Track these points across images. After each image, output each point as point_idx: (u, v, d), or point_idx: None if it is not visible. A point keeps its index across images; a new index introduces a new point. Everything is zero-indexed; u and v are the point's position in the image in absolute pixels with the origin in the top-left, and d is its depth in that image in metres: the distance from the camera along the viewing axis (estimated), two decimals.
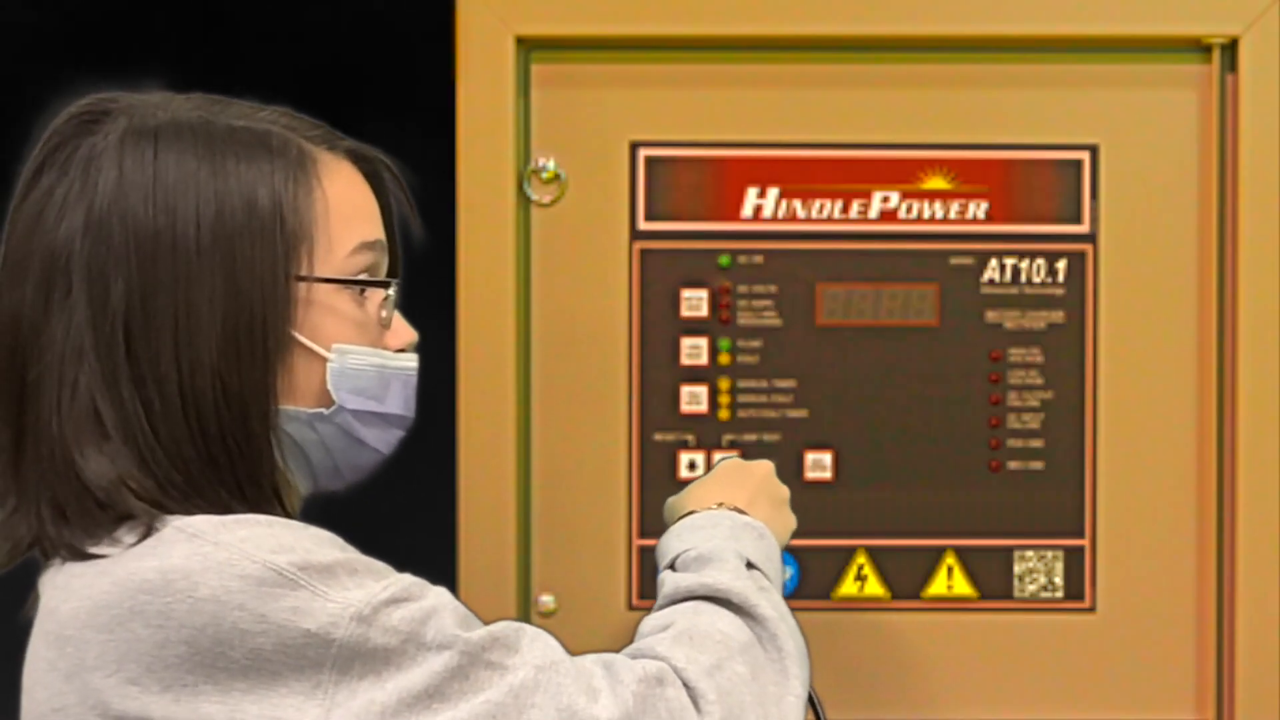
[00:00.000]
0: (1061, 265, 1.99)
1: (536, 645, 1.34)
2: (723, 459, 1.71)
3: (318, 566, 1.30)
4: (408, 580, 1.34)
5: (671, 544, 1.53)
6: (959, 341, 1.99)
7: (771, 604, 1.44)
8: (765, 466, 1.66)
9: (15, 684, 1.38)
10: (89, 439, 1.35)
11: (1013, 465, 1.99)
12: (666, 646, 1.38)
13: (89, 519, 1.34)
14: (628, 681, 1.34)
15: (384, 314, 1.45)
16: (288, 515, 1.40)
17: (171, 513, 1.34)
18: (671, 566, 1.51)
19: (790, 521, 1.64)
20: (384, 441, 1.47)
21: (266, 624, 1.27)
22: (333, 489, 1.49)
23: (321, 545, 1.32)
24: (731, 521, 1.53)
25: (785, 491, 1.65)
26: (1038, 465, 1.99)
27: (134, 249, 1.35)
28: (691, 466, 1.99)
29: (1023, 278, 1.99)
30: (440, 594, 1.35)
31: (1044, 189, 1.99)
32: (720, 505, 1.57)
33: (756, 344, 1.99)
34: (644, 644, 1.40)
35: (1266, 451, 1.95)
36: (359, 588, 1.30)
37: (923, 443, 1.99)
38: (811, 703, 1.60)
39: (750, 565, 1.49)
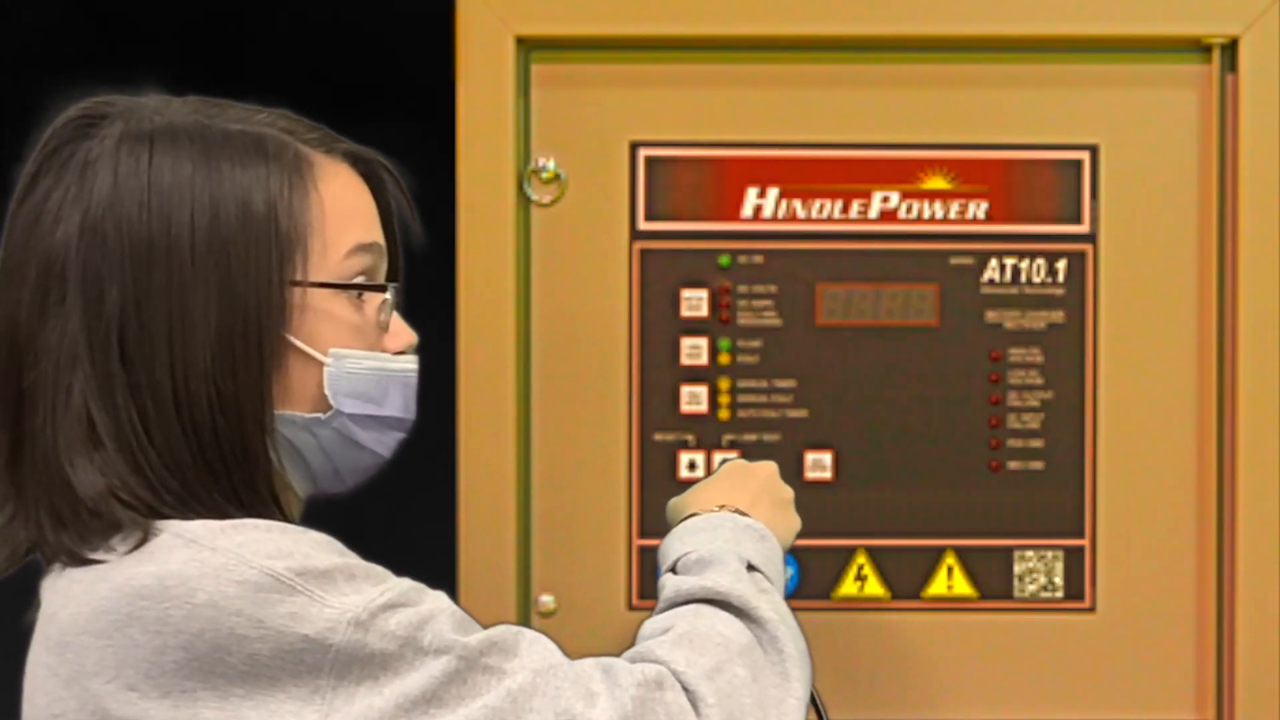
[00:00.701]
0: (1061, 265, 1.99)
1: (535, 649, 1.34)
2: (724, 460, 1.71)
3: (315, 572, 1.29)
4: (405, 585, 1.34)
5: (673, 546, 1.53)
6: (959, 341, 1.99)
7: (772, 606, 1.44)
8: (768, 468, 1.66)
9: (17, 689, 1.38)
10: (80, 447, 1.35)
11: (1013, 465, 1.99)
12: (666, 649, 1.38)
13: (84, 525, 1.34)
14: (626, 685, 1.34)
15: (382, 317, 1.45)
16: (286, 519, 1.39)
17: (167, 518, 1.34)
18: (672, 569, 1.51)
19: (794, 523, 1.64)
20: (383, 444, 1.47)
21: (264, 629, 1.27)
22: (333, 492, 1.49)
23: (319, 550, 1.32)
24: (733, 524, 1.53)
25: (789, 493, 1.65)
26: (1038, 465, 1.99)
27: (129, 254, 1.35)
28: (691, 466, 1.99)
29: (1023, 278, 1.99)
30: (438, 598, 1.35)
31: (1044, 189, 1.99)
32: (722, 508, 1.57)
33: (756, 344, 1.99)
34: (643, 647, 1.40)
35: (1266, 451, 1.95)
36: (356, 593, 1.30)
37: (923, 443, 1.99)
38: (814, 704, 1.60)
39: (751, 568, 1.49)
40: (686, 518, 1.57)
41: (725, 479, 1.63)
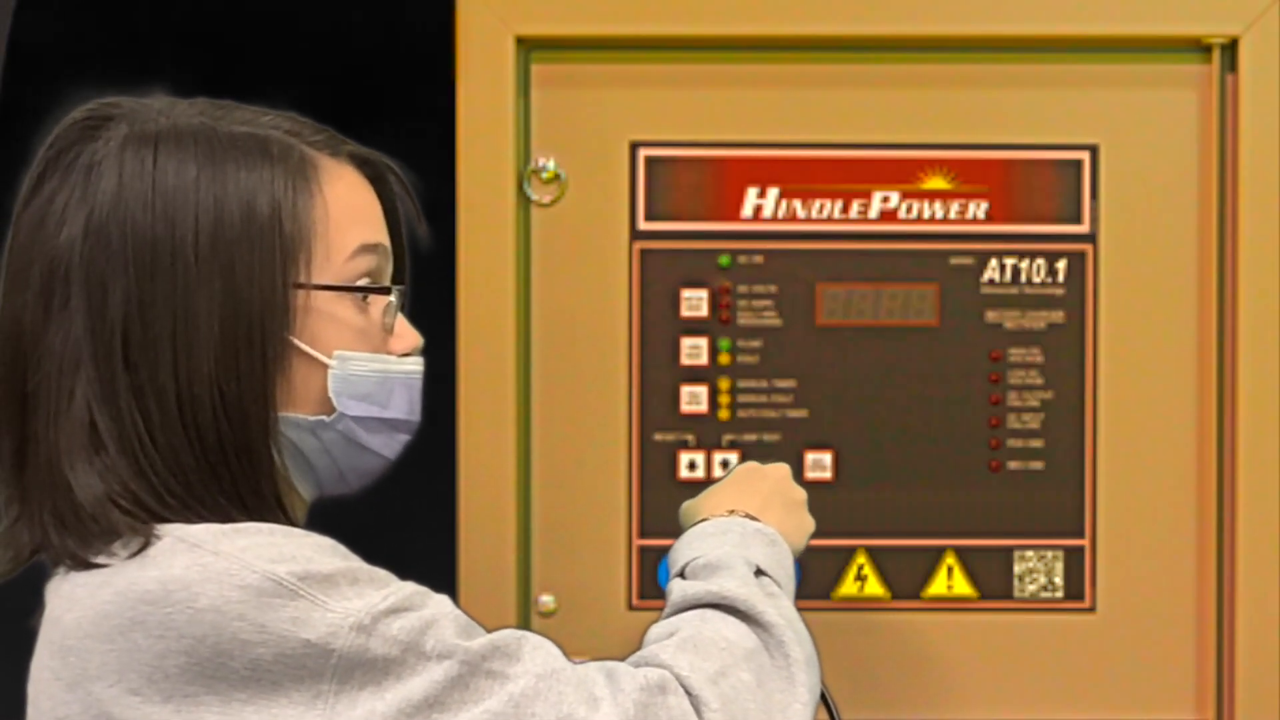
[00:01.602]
0: (1061, 265, 1.99)
1: (538, 654, 1.34)
2: (725, 461, 1.71)
3: (318, 576, 1.29)
4: (409, 589, 1.33)
5: (681, 552, 1.53)
6: (959, 341, 1.99)
7: (779, 611, 1.44)
8: (780, 470, 1.66)
9: (22, 692, 1.38)
10: (80, 452, 1.35)
11: (1013, 465, 1.99)
12: (670, 654, 1.38)
13: (85, 530, 1.34)
14: (629, 689, 1.34)
15: (387, 319, 1.45)
16: (290, 523, 1.39)
17: (170, 522, 1.33)
18: (680, 575, 1.51)
19: (807, 524, 1.64)
20: (388, 447, 1.47)
21: (266, 634, 1.27)
22: (339, 495, 1.49)
23: (322, 554, 1.32)
24: (742, 528, 1.53)
25: (801, 494, 1.65)
26: (1038, 465, 1.99)
27: (133, 257, 1.35)
28: (691, 466, 1.99)
29: (1023, 278, 1.99)
30: (441, 602, 1.35)
31: (1044, 189, 1.99)
32: (732, 512, 1.57)
33: (756, 344, 1.99)
34: (648, 652, 1.40)
35: (1266, 451, 1.95)
36: (359, 597, 1.30)
37: (923, 443, 1.99)
38: (826, 705, 1.61)
39: (760, 572, 1.48)
40: (697, 522, 1.57)
41: (736, 482, 1.63)
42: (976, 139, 1.98)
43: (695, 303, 1.99)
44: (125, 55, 2.16)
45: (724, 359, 1.99)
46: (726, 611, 1.43)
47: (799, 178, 1.99)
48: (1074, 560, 1.99)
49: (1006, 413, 1.99)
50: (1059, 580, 1.99)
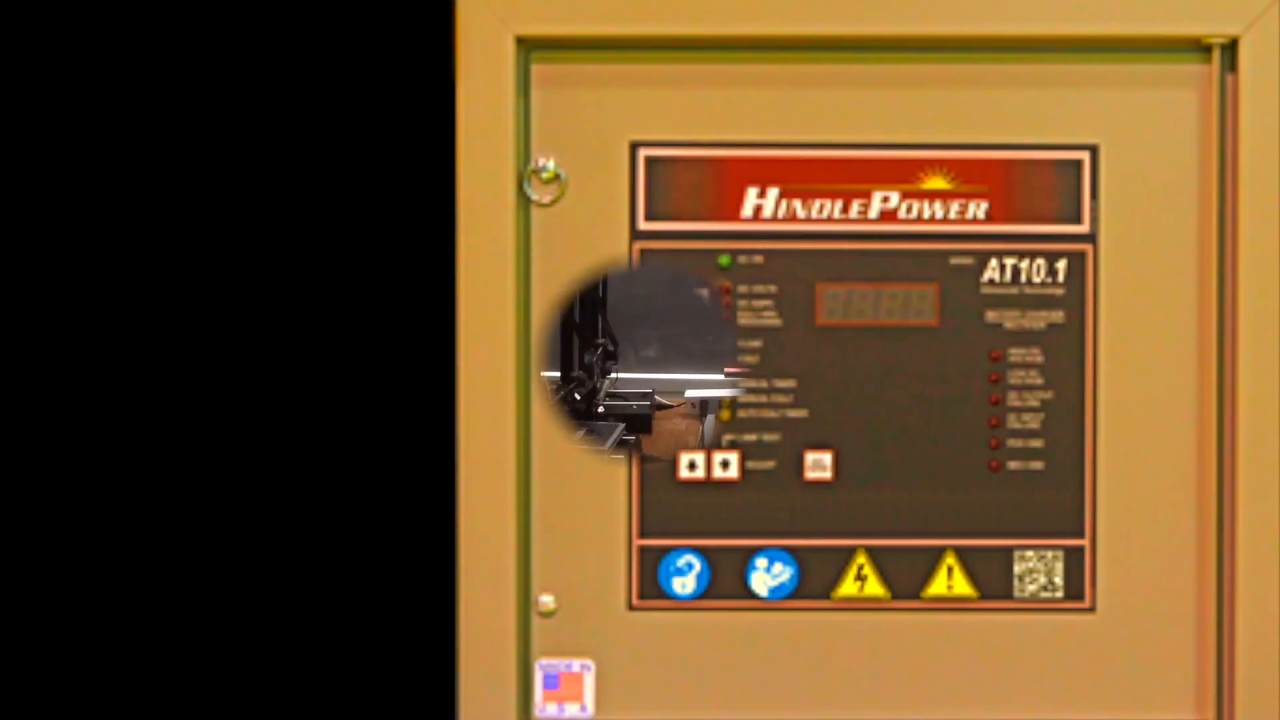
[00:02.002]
0: (1061, 265, 1.99)
1: None
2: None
3: None
4: None
5: None
6: (959, 341, 1.99)
7: None
8: None
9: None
10: None
11: (1013, 465, 1.99)
12: None
13: None
14: None
15: None
16: None
17: None
18: None
19: None
20: None
21: None
22: None
23: None
24: None
25: None
26: (1038, 465, 1.99)
27: None
28: (691, 466, 1.99)
29: (1023, 278, 1.99)
30: None
31: (1044, 189, 1.99)
32: None
33: (756, 344, 1.99)
34: None
35: (1266, 451, 1.95)
36: None
37: (923, 443, 1.99)
38: None
39: None
40: None
41: None
42: (976, 139, 1.99)
43: None
44: (118, 54, 2.16)
45: None
46: None
47: (799, 178, 1.99)
48: (1074, 560, 1.99)
49: (1006, 413, 1.99)
50: (1059, 580, 1.99)
